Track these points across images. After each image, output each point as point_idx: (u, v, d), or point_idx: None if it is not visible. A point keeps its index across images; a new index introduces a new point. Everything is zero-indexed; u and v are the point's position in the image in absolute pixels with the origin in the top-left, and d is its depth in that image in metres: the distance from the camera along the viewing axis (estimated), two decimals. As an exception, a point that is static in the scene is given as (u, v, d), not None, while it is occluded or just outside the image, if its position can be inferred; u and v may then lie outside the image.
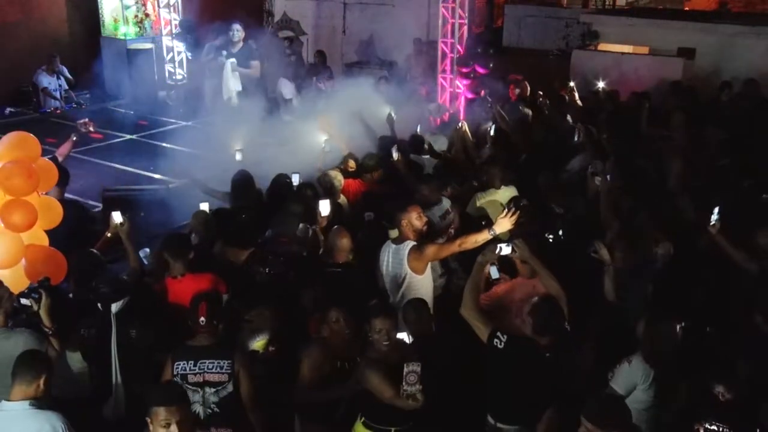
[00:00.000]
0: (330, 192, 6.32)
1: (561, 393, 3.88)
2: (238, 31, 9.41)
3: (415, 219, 5.18)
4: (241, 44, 9.57)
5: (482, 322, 4.15)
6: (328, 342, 4.31)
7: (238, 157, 7.39)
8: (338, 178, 6.46)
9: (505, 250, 4.43)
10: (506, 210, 4.86)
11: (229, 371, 4.10)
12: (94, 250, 5.10)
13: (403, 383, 3.62)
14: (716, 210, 4.94)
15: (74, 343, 4.39)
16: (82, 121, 6.83)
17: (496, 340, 4.01)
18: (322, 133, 7.80)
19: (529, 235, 5.07)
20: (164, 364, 4.16)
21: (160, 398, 3.20)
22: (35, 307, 4.18)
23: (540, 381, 3.91)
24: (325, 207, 5.69)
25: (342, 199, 6.46)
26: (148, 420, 3.14)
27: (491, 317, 4.33)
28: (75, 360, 4.45)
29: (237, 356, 4.15)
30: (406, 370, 3.61)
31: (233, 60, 9.77)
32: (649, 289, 4.75)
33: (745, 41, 11.10)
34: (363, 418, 4.03)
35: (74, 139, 6.72)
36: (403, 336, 4.42)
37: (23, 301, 4.19)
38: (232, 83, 9.60)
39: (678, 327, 4.02)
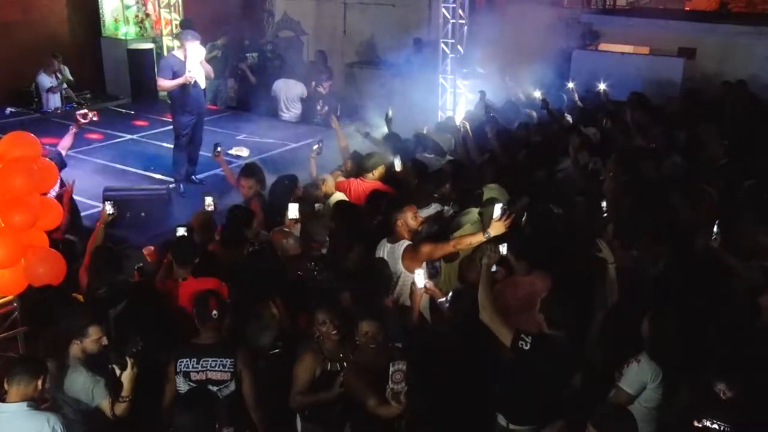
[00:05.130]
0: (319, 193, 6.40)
1: (569, 394, 3.88)
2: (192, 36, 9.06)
3: (410, 219, 5.23)
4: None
5: (504, 325, 4.08)
6: (319, 344, 4.30)
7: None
8: (328, 181, 6.49)
9: (503, 249, 4.48)
10: (501, 213, 4.86)
11: (231, 370, 4.10)
12: (111, 246, 5.13)
13: (389, 382, 3.59)
14: (716, 224, 4.94)
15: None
16: (81, 112, 6.66)
17: (521, 342, 3.95)
18: None
19: (525, 236, 5.09)
20: (167, 363, 4.16)
21: None
22: (117, 373, 3.94)
23: (563, 378, 3.91)
24: (293, 210, 5.58)
25: (337, 197, 6.46)
26: None
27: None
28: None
29: (240, 355, 4.16)
30: (392, 369, 3.58)
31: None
32: (650, 288, 4.74)
33: (745, 41, 11.10)
34: (349, 425, 4.02)
35: (74, 130, 6.66)
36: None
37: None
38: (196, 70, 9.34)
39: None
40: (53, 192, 6.21)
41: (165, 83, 8.75)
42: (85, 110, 6.72)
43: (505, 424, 4.08)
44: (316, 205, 6.16)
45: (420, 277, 4.60)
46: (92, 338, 4.06)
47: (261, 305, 4.56)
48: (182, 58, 8.62)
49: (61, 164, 6.44)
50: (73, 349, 4.07)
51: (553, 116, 8.84)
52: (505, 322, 4.10)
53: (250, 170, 6.55)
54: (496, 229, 4.78)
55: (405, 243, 5.14)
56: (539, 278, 4.84)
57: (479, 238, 4.85)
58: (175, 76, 8.58)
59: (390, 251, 5.17)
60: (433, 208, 5.94)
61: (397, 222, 5.21)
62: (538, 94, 9.24)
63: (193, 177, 9.23)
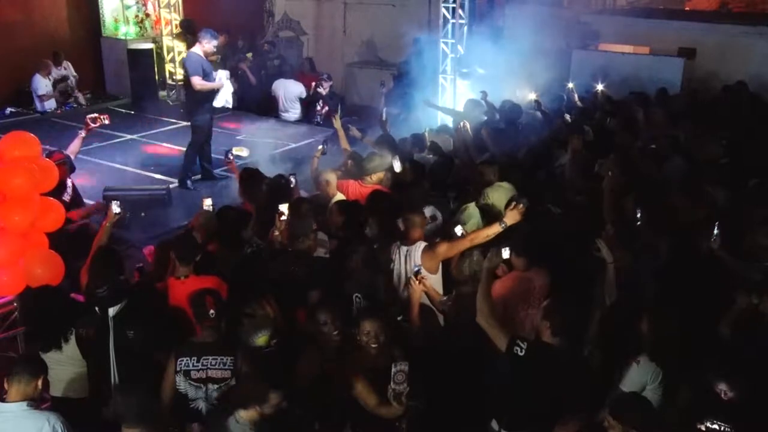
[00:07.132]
0: (324, 191, 6.36)
1: (571, 396, 3.87)
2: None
3: (419, 219, 5.27)
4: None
5: (500, 330, 4.03)
6: (319, 344, 4.28)
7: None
8: (331, 178, 6.45)
9: (506, 253, 4.45)
10: (513, 202, 4.86)
11: (231, 368, 4.11)
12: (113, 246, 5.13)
13: (391, 383, 3.59)
14: (716, 225, 4.94)
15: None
16: (92, 116, 6.66)
17: (516, 348, 3.89)
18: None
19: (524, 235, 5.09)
20: (167, 361, 4.16)
21: None
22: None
23: (558, 386, 3.85)
24: (283, 209, 5.49)
25: (339, 197, 6.44)
26: None
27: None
28: (74, 360, 4.45)
29: (240, 353, 4.16)
30: (394, 369, 3.58)
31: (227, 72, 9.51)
32: (650, 287, 4.74)
33: (745, 41, 11.11)
34: (349, 425, 4.02)
35: (83, 135, 6.68)
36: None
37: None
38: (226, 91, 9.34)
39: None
40: (67, 196, 6.24)
41: (204, 84, 8.78)
42: (96, 114, 6.71)
43: (497, 429, 4.06)
44: None
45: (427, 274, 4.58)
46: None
47: (254, 304, 4.56)
48: (202, 56, 8.74)
49: (71, 168, 6.47)
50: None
51: (547, 117, 8.84)
52: (501, 327, 4.06)
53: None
54: (512, 217, 4.80)
55: (422, 244, 5.13)
56: (537, 274, 4.86)
57: (496, 229, 4.84)
58: (204, 73, 8.70)
59: (406, 253, 5.15)
60: (428, 211, 5.92)
61: (409, 223, 5.22)
62: (533, 96, 9.24)
63: (213, 173, 9.28)
